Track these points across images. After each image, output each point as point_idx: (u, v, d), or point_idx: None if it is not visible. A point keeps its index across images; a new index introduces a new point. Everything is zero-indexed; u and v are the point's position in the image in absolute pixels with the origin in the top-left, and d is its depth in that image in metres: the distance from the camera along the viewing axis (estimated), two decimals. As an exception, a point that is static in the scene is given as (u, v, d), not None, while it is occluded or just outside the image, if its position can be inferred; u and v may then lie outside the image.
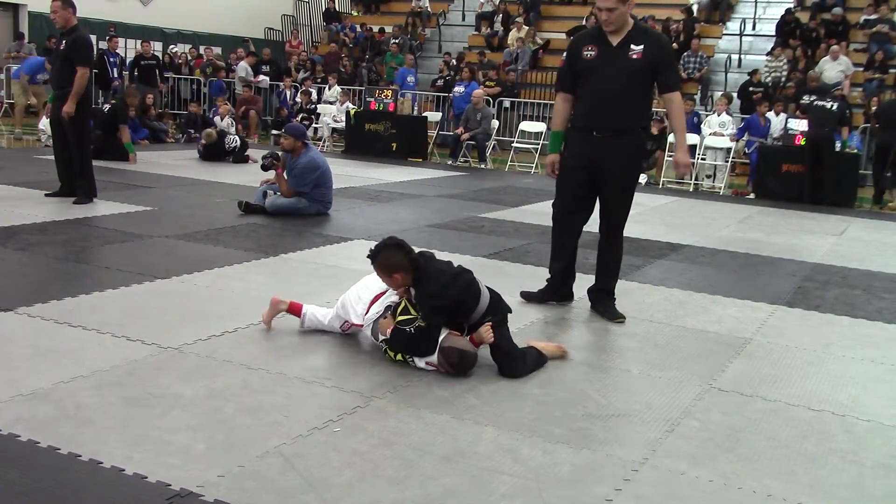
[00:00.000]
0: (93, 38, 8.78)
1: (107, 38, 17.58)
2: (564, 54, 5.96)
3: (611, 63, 4.86)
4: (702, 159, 13.39)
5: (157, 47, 18.73)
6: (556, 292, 5.29)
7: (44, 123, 12.45)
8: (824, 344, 4.85)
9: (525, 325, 4.79)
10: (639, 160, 4.95)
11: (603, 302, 5.14)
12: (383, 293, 4.16)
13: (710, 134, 13.32)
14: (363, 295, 4.23)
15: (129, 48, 19.22)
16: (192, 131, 14.82)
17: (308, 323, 4.38)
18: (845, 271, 7.00)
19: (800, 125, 12.21)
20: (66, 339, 4.04)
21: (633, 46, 4.83)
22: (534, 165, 13.80)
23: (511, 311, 4.18)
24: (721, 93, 15.88)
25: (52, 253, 5.84)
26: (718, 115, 13.66)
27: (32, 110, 14.81)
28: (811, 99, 12.20)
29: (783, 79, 16.22)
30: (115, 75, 16.63)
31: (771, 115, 13.57)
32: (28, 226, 6.63)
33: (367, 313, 4.16)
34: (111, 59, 16.74)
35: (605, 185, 5.00)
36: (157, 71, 17.16)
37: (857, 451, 3.36)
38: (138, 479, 2.73)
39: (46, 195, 8.05)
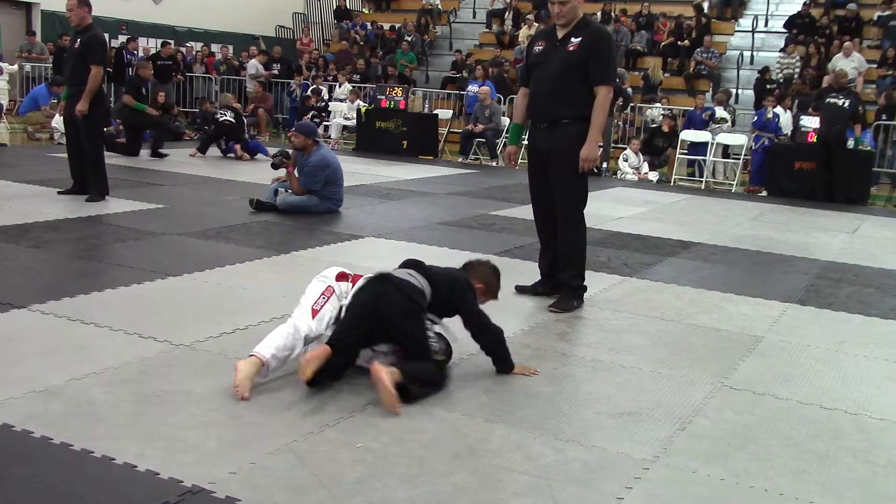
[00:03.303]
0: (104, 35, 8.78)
1: (125, 39, 17.70)
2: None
3: (552, 56, 5.01)
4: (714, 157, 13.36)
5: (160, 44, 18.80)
6: (547, 285, 5.33)
7: (57, 121, 12.51)
8: (837, 342, 4.83)
9: (536, 324, 4.79)
10: (577, 148, 4.93)
11: (560, 291, 5.18)
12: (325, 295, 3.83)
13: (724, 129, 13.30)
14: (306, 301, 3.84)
15: (140, 46, 19.26)
16: (207, 128, 14.89)
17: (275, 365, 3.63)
18: (858, 269, 6.97)
19: (812, 122, 12.16)
20: (78, 336, 4.05)
21: (572, 39, 4.94)
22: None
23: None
24: (734, 90, 15.86)
25: (64, 250, 5.87)
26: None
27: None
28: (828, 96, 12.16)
29: (796, 76, 16.15)
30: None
31: (779, 110, 13.51)
32: (41, 223, 6.66)
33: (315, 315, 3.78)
34: (128, 57, 16.82)
35: (550, 173, 5.10)
36: (172, 71, 17.23)
37: (869, 449, 3.35)
38: (150, 475, 2.75)
39: (59, 193, 8.09)
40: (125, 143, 11.91)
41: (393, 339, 3.70)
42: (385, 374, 3.38)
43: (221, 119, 12.67)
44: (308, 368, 3.42)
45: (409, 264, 3.96)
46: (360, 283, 3.81)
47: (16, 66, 17.23)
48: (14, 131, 14.02)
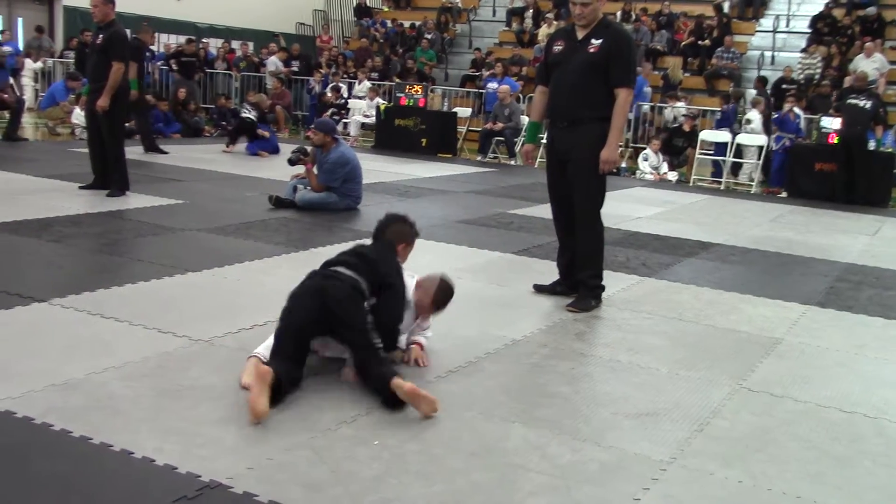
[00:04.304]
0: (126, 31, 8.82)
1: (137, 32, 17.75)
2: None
3: (572, 56, 5.01)
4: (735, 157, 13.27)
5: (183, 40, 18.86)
6: (566, 284, 5.31)
7: (77, 116, 12.60)
8: (857, 345, 4.79)
9: (554, 323, 4.78)
10: (597, 149, 4.94)
11: (578, 291, 5.17)
12: None
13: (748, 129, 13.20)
14: None
15: (161, 42, 19.37)
16: (225, 124, 14.98)
17: None
18: (879, 272, 6.91)
19: (833, 124, 12.08)
20: (98, 331, 4.08)
21: (592, 41, 4.94)
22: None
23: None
24: (754, 91, 15.77)
25: (85, 245, 5.91)
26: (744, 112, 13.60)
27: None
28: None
29: (817, 76, 16.04)
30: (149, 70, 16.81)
31: (798, 110, 13.42)
32: (62, 218, 6.71)
33: None
34: (146, 53, 16.87)
35: (569, 173, 5.10)
36: (196, 67, 17.28)
37: (888, 453, 3.32)
38: (169, 469, 2.76)
39: (80, 188, 8.14)
40: None
41: (333, 333, 3.61)
42: (410, 385, 3.30)
43: (243, 115, 12.84)
44: (259, 404, 3.15)
45: (331, 263, 3.84)
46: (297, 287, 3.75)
47: (40, 63, 17.38)
48: (35, 126, 14.14)
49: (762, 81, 15.56)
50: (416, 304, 3.95)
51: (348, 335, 3.56)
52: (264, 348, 3.61)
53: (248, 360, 3.58)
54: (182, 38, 19.13)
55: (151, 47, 17.63)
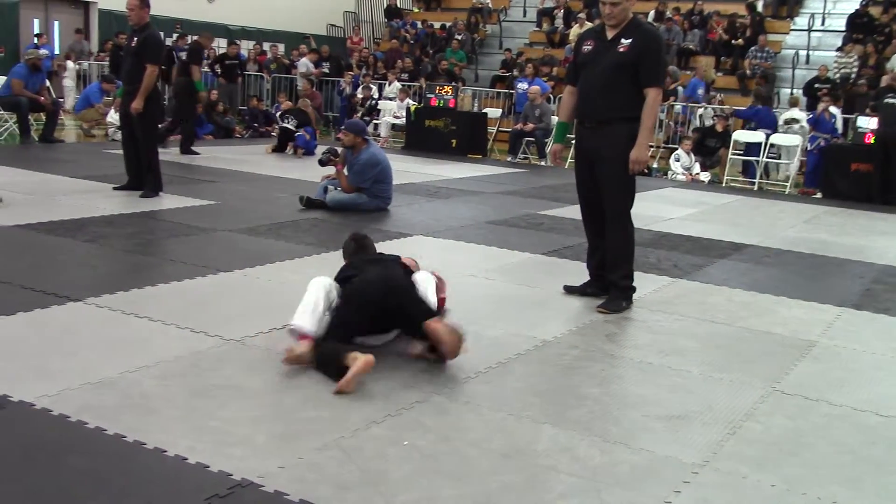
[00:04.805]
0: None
1: (176, 36, 17.89)
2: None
3: (601, 56, 4.99)
4: (770, 157, 13.12)
5: (221, 43, 18.97)
6: (596, 285, 5.28)
7: (112, 116, 12.75)
8: (894, 348, 4.71)
9: (584, 325, 4.76)
10: (625, 149, 4.91)
11: (609, 292, 5.14)
12: None
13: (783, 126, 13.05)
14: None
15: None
16: (257, 125, 15.07)
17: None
18: (916, 274, 6.80)
19: (869, 123, 11.91)
20: (131, 330, 4.13)
21: (622, 40, 4.92)
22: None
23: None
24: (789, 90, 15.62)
25: (119, 245, 5.97)
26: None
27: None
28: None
29: (853, 75, 15.82)
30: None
31: (834, 110, 13.24)
32: (97, 218, 6.79)
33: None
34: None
35: (598, 173, 5.07)
36: (238, 70, 17.39)
37: (927, 458, 3.26)
38: (201, 468, 2.78)
39: (114, 188, 8.23)
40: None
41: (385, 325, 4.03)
42: (431, 322, 3.75)
43: (284, 124, 13.05)
44: (351, 385, 3.52)
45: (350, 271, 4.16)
46: (353, 284, 4.00)
47: (73, 62, 17.60)
48: (70, 128, 14.33)
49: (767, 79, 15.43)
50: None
51: (413, 309, 3.89)
52: (310, 324, 3.77)
53: (300, 341, 3.74)
54: (230, 42, 19.23)
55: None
